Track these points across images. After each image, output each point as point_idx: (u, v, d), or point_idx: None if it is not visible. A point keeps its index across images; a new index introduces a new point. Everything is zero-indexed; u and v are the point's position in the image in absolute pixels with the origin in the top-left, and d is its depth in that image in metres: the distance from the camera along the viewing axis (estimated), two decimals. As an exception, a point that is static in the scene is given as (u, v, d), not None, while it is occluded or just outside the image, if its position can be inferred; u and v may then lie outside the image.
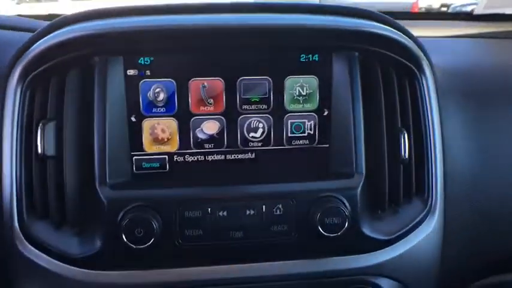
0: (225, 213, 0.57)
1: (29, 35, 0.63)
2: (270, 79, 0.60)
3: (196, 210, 0.56)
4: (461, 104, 0.67)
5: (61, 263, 0.56)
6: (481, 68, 0.76)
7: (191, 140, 0.60)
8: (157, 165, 0.60)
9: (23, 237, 0.56)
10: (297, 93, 0.60)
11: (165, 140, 0.60)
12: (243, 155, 0.61)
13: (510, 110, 0.69)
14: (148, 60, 0.58)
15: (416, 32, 1.00)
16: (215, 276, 0.58)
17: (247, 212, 0.57)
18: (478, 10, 1.15)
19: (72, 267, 0.56)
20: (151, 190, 0.57)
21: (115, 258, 0.56)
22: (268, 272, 0.59)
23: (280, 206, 0.57)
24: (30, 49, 0.57)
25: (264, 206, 0.57)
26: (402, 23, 1.09)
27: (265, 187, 0.58)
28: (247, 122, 0.60)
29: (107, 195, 0.55)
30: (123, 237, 0.53)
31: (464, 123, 0.66)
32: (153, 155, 0.59)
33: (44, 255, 0.56)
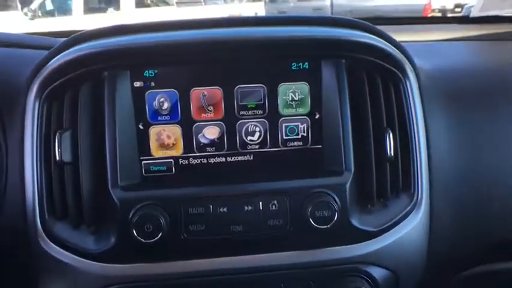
0: (225, 209, 0.62)
1: (44, 52, 0.70)
2: (264, 86, 0.64)
3: (199, 207, 0.61)
4: (446, 105, 0.70)
5: (80, 258, 0.61)
6: (468, 71, 0.79)
7: (194, 144, 0.65)
8: (164, 168, 0.65)
9: (45, 236, 0.61)
10: (290, 99, 0.65)
11: (171, 145, 0.65)
12: (242, 157, 0.66)
13: (493, 111, 0.72)
14: (153, 72, 0.63)
15: (413, 37, 1.04)
16: (218, 267, 0.63)
17: (246, 208, 0.62)
18: (474, 13, 1.18)
19: (90, 262, 0.61)
20: (159, 190, 0.62)
21: (128, 252, 0.61)
22: (266, 262, 0.63)
23: (275, 202, 0.62)
24: (45, 66, 0.62)
25: (260, 203, 0.62)
26: (401, 28, 1.13)
27: (261, 185, 0.63)
28: (245, 127, 0.65)
29: (118, 196, 0.61)
30: (134, 232, 0.58)
31: (449, 123, 0.70)
32: (160, 159, 0.65)
33: (65, 252, 0.61)
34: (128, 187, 0.62)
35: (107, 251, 0.61)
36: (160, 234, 0.59)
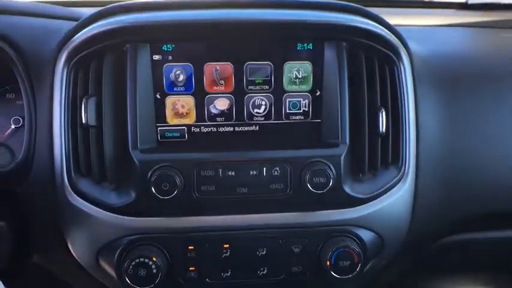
0: (233, 173, 0.69)
1: (68, 22, 0.75)
2: (271, 64, 0.71)
3: (210, 170, 0.68)
4: (437, 88, 0.77)
5: (103, 211, 0.68)
6: (461, 57, 0.85)
7: (206, 114, 0.72)
8: (178, 134, 0.72)
9: (71, 191, 0.68)
10: (294, 76, 0.72)
11: (184, 114, 0.71)
12: (248, 127, 0.73)
13: (480, 96, 0.79)
14: (171, 47, 0.69)
15: (411, 20, 1.09)
16: (224, 224, 0.71)
17: (251, 173, 0.69)
18: None
19: (112, 214, 0.68)
20: (174, 154, 0.69)
21: (146, 207, 0.68)
22: (268, 221, 0.71)
23: (277, 168, 0.69)
24: (73, 38, 0.68)
25: (264, 168, 0.69)
26: (400, 11, 1.17)
27: (266, 153, 0.70)
28: (252, 100, 0.72)
29: (138, 157, 0.68)
30: (153, 190, 0.66)
31: (438, 104, 0.76)
32: (174, 126, 0.72)
33: (89, 205, 0.68)
34: (146, 150, 0.69)
35: (127, 205, 0.68)
36: (176, 192, 0.66)
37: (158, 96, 0.71)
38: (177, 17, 0.69)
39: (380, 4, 1.19)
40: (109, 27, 0.67)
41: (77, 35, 0.68)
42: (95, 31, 0.67)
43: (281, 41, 0.71)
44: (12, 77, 0.74)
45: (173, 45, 0.69)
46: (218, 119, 0.72)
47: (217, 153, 0.70)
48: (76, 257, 0.72)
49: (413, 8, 1.26)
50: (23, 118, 0.83)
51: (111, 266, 0.69)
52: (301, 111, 0.73)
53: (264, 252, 0.71)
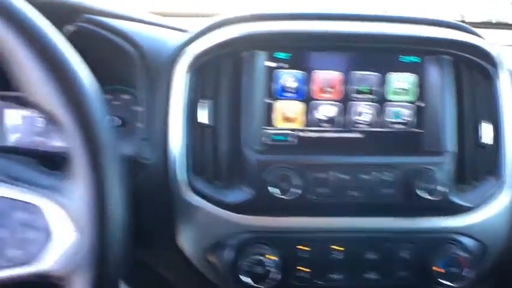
0: (345, 176, 0.71)
1: (178, 32, 0.80)
2: (376, 74, 0.74)
3: (323, 173, 0.70)
4: None
5: (218, 208, 0.70)
6: None
7: (312, 120, 0.74)
8: (286, 138, 0.74)
9: (188, 188, 0.70)
10: (397, 87, 0.75)
11: (292, 118, 0.74)
12: (352, 134, 0.75)
13: None
14: (283, 55, 0.73)
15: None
16: (336, 225, 0.72)
17: (362, 177, 0.71)
18: None
19: (227, 212, 0.70)
20: (288, 156, 0.71)
21: (261, 206, 0.70)
22: (377, 225, 0.73)
23: (387, 173, 0.71)
24: (192, 44, 0.72)
25: (375, 173, 0.71)
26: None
27: (374, 158, 0.72)
28: (356, 108, 0.75)
29: (255, 157, 0.70)
30: (270, 189, 0.68)
31: None
32: (282, 130, 0.74)
33: (205, 202, 0.70)
34: (259, 151, 0.71)
35: (242, 203, 0.70)
36: (291, 192, 0.68)
37: (269, 100, 0.74)
38: (292, 28, 0.73)
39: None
40: (230, 36, 0.71)
41: (196, 43, 0.72)
42: (218, 40, 0.72)
43: (387, 53, 0.74)
44: (110, 79, 0.78)
45: (286, 53, 0.73)
46: (324, 124, 0.75)
47: (329, 157, 0.72)
48: (186, 253, 0.73)
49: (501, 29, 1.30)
50: (121, 118, 0.87)
51: (222, 262, 0.70)
52: (403, 120, 0.75)
53: (373, 255, 0.72)
